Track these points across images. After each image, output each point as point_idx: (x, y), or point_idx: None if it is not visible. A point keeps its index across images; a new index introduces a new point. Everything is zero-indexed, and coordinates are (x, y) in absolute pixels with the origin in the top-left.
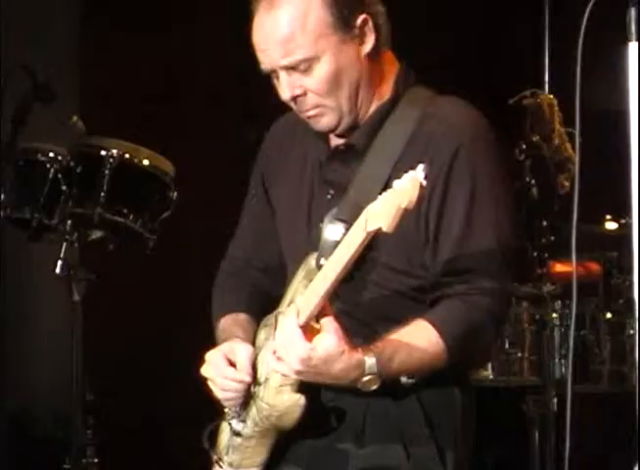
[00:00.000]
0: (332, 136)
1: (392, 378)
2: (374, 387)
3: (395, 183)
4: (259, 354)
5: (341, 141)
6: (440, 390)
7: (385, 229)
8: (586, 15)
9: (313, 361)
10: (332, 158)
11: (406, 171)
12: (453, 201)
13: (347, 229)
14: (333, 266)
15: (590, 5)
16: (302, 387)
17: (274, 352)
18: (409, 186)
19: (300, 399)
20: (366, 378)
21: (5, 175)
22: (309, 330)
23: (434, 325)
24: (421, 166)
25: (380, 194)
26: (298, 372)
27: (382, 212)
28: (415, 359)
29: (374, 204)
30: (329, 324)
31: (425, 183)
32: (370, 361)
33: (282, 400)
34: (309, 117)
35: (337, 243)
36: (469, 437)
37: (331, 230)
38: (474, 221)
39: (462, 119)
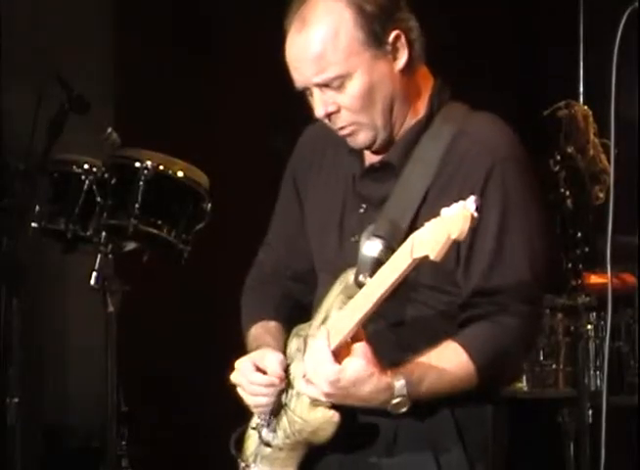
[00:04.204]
0: (366, 151)
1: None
2: (403, 409)
3: (444, 211)
4: (292, 365)
5: (376, 158)
6: (472, 404)
7: (432, 257)
8: (621, 25)
9: (341, 383)
10: (366, 174)
11: (441, 190)
12: (486, 221)
13: (385, 246)
14: (376, 288)
15: (625, 15)
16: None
17: (304, 376)
18: (459, 217)
19: (334, 417)
20: (395, 401)
21: (40, 187)
22: (345, 349)
23: (463, 347)
24: (472, 198)
25: (416, 211)
26: (328, 395)
27: (430, 241)
28: (445, 381)
29: (421, 230)
30: (359, 347)
31: (476, 215)
32: (399, 384)
33: (315, 416)
34: (345, 136)
35: (375, 259)
36: (501, 451)
37: (369, 247)
38: (506, 243)
39: (496, 139)
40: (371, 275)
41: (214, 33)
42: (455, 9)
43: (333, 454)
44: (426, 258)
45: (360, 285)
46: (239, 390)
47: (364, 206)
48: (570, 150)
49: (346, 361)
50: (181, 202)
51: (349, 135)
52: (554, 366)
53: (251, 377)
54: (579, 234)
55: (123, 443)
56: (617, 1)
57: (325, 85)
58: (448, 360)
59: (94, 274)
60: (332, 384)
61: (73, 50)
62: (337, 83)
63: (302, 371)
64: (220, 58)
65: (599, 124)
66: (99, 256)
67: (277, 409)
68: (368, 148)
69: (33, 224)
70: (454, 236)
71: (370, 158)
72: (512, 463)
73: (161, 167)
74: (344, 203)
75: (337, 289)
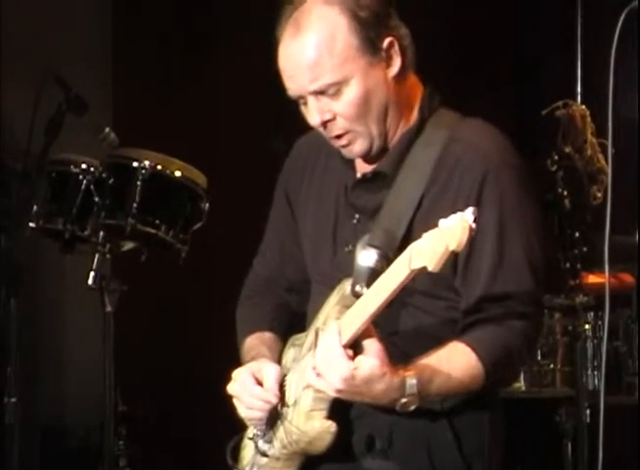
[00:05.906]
0: (358, 161)
1: (431, 399)
2: (412, 408)
3: (442, 222)
4: (288, 375)
5: (368, 168)
6: (469, 406)
7: (430, 269)
8: (619, 25)
9: (355, 381)
10: (359, 184)
11: (436, 198)
12: (483, 228)
13: (380, 256)
14: (374, 298)
15: (623, 15)
16: (331, 412)
17: (314, 368)
18: (458, 228)
19: (331, 427)
20: (405, 399)
21: (38, 187)
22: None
23: (472, 349)
24: (471, 209)
25: (410, 220)
26: (339, 390)
27: (428, 252)
28: (454, 382)
29: (420, 241)
30: (372, 345)
31: (474, 226)
32: (410, 383)
33: (312, 427)
34: (342, 147)
35: (370, 269)
36: (497, 452)
37: (364, 256)
38: (505, 248)
39: (488, 145)
40: (368, 285)
41: (214, 34)
42: (454, 9)
43: (329, 461)
44: (424, 269)
45: (357, 295)
46: (235, 401)
47: (357, 216)
48: (567, 150)
49: (360, 359)
50: (179, 201)
51: (346, 146)
52: (552, 366)
53: (250, 390)
54: (577, 234)
55: (121, 442)
56: (616, 0)
57: (320, 93)
58: (458, 361)
59: (92, 274)
60: (345, 380)
61: (72, 50)
62: (332, 90)
63: (308, 366)
64: (220, 58)
65: (597, 124)
66: (97, 255)
67: (273, 420)
68: (363, 157)
69: (31, 224)
70: (452, 247)
71: (362, 167)
72: (509, 463)
73: (159, 167)
74: (337, 213)
75: (333, 299)
